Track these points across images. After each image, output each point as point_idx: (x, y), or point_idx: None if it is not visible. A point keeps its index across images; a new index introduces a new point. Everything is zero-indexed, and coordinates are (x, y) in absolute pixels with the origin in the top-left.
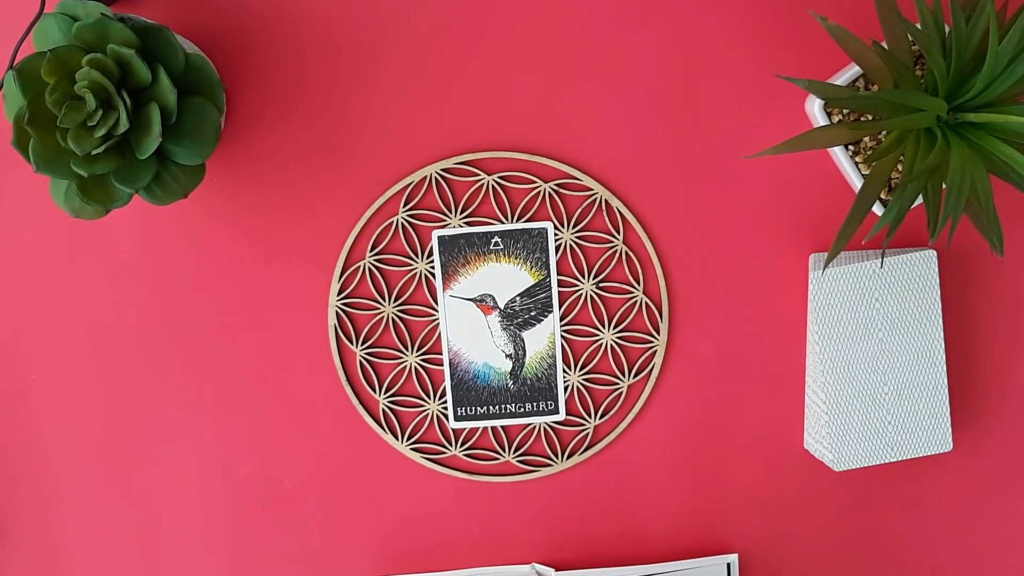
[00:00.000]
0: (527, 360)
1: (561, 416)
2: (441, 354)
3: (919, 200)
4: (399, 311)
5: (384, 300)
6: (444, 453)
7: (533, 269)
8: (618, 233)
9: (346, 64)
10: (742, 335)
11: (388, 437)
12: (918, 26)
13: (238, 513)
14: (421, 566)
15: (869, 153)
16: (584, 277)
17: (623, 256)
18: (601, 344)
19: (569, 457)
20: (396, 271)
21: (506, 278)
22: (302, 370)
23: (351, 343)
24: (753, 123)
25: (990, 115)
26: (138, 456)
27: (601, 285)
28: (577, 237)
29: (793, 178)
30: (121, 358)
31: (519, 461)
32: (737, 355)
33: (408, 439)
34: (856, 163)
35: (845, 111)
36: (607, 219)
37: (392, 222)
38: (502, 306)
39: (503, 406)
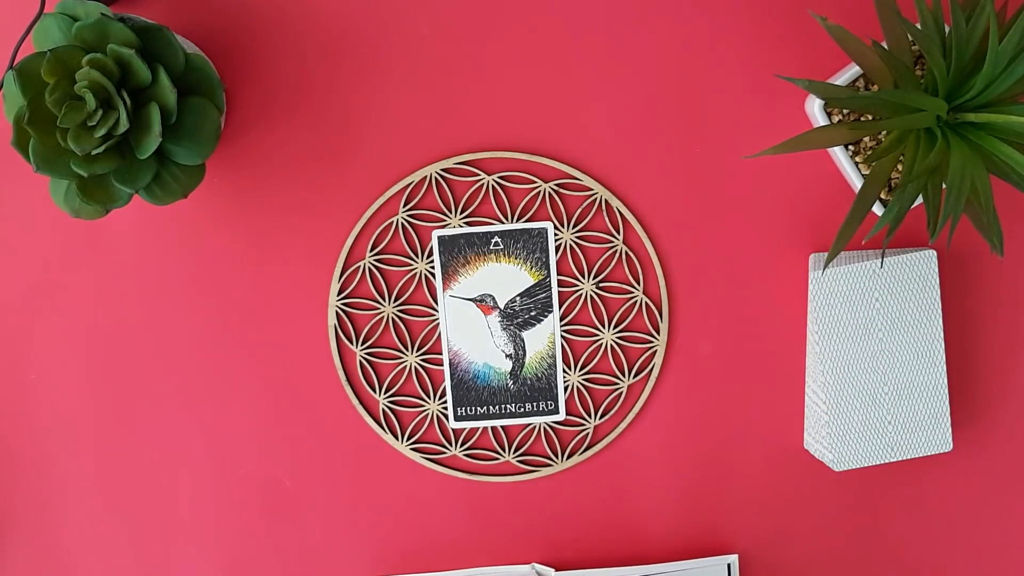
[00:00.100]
0: (527, 360)
1: (561, 416)
2: (441, 354)
3: (919, 200)
4: (399, 311)
5: (384, 300)
6: (444, 453)
7: (533, 269)
8: (618, 233)
9: (346, 64)
10: (742, 335)
11: (388, 437)
12: (918, 26)
13: (238, 513)
14: (421, 566)
15: (869, 153)
16: (584, 277)
17: (623, 256)
18: (601, 344)
19: (569, 457)
20: (396, 271)
21: (506, 278)
22: (302, 370)
23: (351, 343)
24: (753, 123)
25: (990, 115)
26: (138, 456)
27: (601, 285)
28: (577, 237)
29: (793, 178)
30: (121, 358)
31: (519, 461)
32: (737, 355)
33: (408, 439)
34: (856, 163)
35: (845, 111)
36: (607, 219)
37: (392, 222)
38: (502, 306)
39: (503, 406)
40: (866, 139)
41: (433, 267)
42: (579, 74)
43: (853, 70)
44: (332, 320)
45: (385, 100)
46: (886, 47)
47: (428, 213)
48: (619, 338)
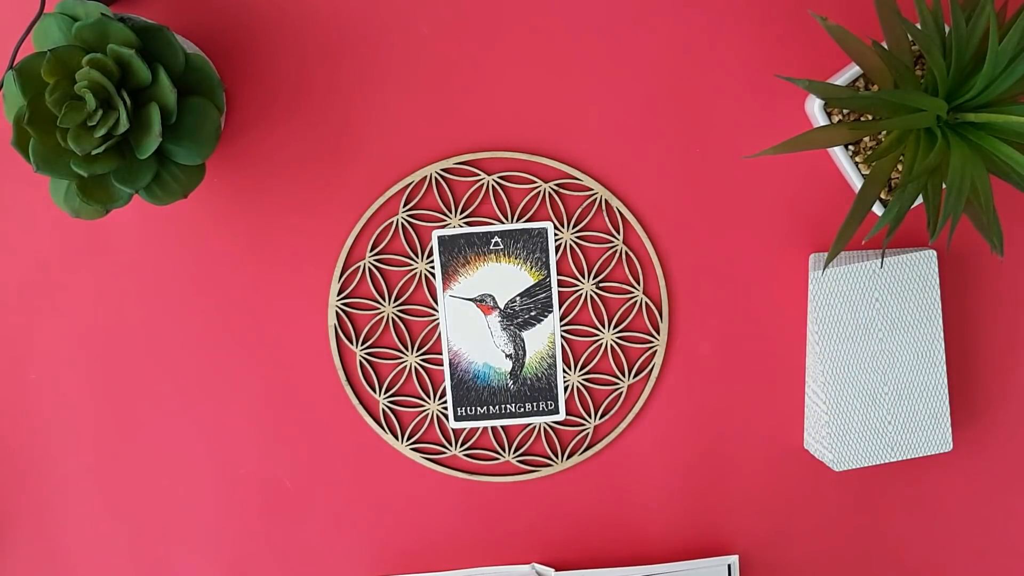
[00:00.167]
0: (527, 360)
1: (561, 416)
2: (441, 354)
3: (919, 200)
4: (399, 311)
5: (384, 300)
6: (444, 453)
7: (533, 269)
8: (618, 233)
9: (346, 64)
10: (742, 335)
11: (388, 437)
12: (918, 26)
13: (238, 513)
14: (421, 566)
15: (869, 153)
16: (584, 277)
17: (623, 256)
18: (601, 344)
19: (569, 457)
20: (396, 271)
21: (506, 278)
22: (302, 370)
23: (351, 343)
24: (753, 123)
25: (990, 115)
26: (138, 456)
27: (601, 285)
28: (577, 237)
29: (793, 178)
30: (121, 358)
31: (519, 461)
32: (737, 355)
33: (408, 439)
34: (856, 163)
35: (845, 111)
36: (607, 219)
37: (392, 222)
38: (502, 306)
39: (503, 406)
40: (866, 139)
41: (433, 267)
42: (579, 74)
43: (853, 70)
44: (332, 320)
45: (385, 100)
46: (886, 47)
47: (428, 213)
48: (619, 338)
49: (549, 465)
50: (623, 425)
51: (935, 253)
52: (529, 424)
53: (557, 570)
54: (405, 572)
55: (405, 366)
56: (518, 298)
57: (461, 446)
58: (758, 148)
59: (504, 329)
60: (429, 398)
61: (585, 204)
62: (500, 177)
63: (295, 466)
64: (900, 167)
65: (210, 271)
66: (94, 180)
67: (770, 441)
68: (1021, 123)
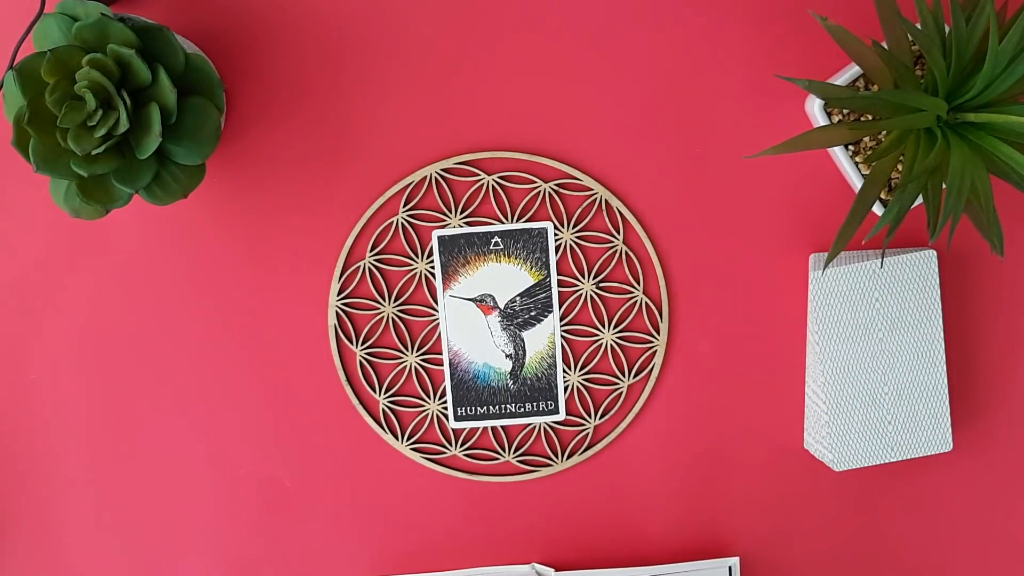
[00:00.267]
0: (527, 360)
1: (561, 416)
2: (441, 354)
3: (919, 200)
4: (399, 311)
5: (384, 300)
6: (444, 453)
7: (533, 269)
8: (618, 233)
9: (346, 64)
10: (742, 335)
11: (388, 437)
12: (918, 26)
13: (238, 513)
14: (421, 566)
15: (869, 153)
16: (584, 277)
17: (623, 256)
18: (601, 344)
19: (569, 457)
20: (396, 271)
21: (506, 278)
22: (302, 370)
23: (351, 343)
24: (753, 123)
25: (990, 115)
26: (138, 456)
27: (601, 285)
28: (577, 237)
29: (793, 178)
30: (121, 358)
31: (519, 461)
32: (737, 355)
33: (408, 439)
34: (856, 163)
35: (845, 111)
36: (607, 219)
37: (392, 222)
38: (502, 306)
39: (503, 406)
40: (866, 139)
41: (433, 267)
42: (579, 74)
43: (853, 70)
44: (332, 320)
45: (385, 100)
46: (886, 47)
47: (428, 213)
48: (619, 338)
49: (549, 465)
50: (623, 425)
51: (935, 253)
52: (529, 424)
53: (557, 570)
54: (405, 572)
55: (405, 366)
56: (518, 298)
57: (461, 446)
58: (758, 148)
59: (504, 329)
60: (429, 398)
61: (585, 204)
62: (500, 177)
63: (295, 466)
64: (900, 167)
65: (210, 271)
66: (94, 180)
67: (770, 441)
68: (1021, 123)
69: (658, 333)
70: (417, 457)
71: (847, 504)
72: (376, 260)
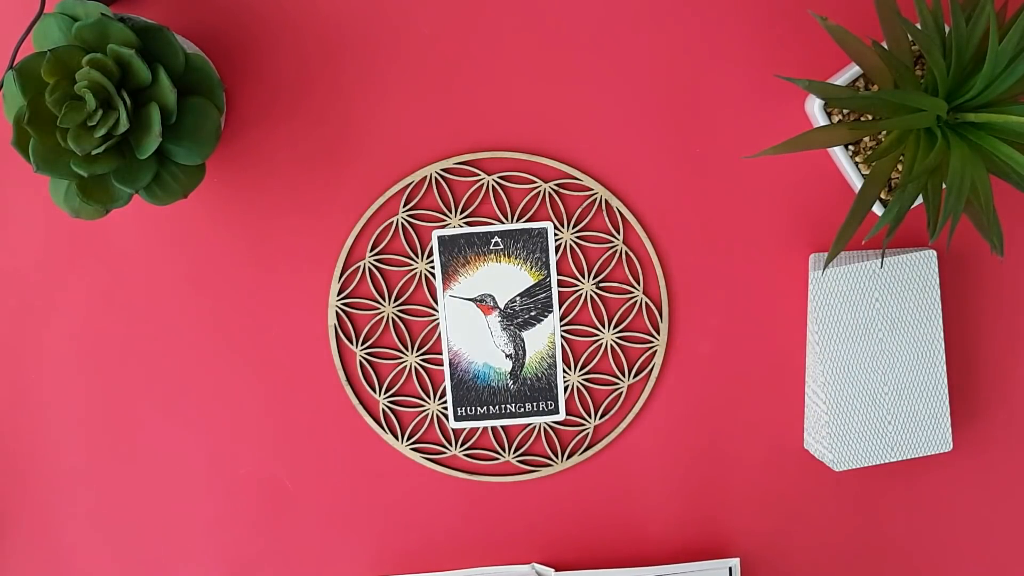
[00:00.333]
0: (527, 360)
1: (561, 416)
2: (441, 354)
3: (919, 200)
4: (399, 311)
5: (384, 300)
6: (444, 453)
7: (533, 269)
8: (618, 233)
9: (346, 64)
10: (742, 335)
11: (388, 437)
12: (918, 26)
13: (238, 513)
14: (421, 566)
15: (869, 153)
16: (584, 277)
17: (623, 256)
18: (601, 344)
19: (569, 457)
20: (396, 271)
21: (506, 278)
22: (302, 370)
23: (351, 343)
24: (753, 123)
25: (990, 115)
26: (138, 456)
27: (601, 285)
28: (577, 237)
29: (793, 178)
30: (121, 358)
31: (519, 461)
32: (737, 355)
33: (408, 439)
34: (856, 163)
35: (845, 111)
36: (607, 219)
37: (392, 222)
38: (502, 306)
39: (503, 406)
40: (866, 139)
41: (433, 267)
42: (579, 74)
43: (853, 70)
44: (332, 320)
45: (385, 100)
46: (886, 47)
47: (428, 213)
48: (619, 338)
49: (549, 465)
50: (623, 425)
51: (935, 253)
52: (529, 424)
53: (557, 570)
54: (405, 572)
55: (405, 366)
56: (518, 298)
57: (461, 446)
58: (758, 148)
59: (504, 329)
60: (429, 398)
61: (585, 204)
62: (500, 177)
63: (295, 466)
64: (900, 167)
65: (210, 271)
66: (94, 180)
67: (770, 441)
68: (1021, 123)
69: (658, 333)
70: (417, 457)
71: (847, 504)
72: (376, 260)
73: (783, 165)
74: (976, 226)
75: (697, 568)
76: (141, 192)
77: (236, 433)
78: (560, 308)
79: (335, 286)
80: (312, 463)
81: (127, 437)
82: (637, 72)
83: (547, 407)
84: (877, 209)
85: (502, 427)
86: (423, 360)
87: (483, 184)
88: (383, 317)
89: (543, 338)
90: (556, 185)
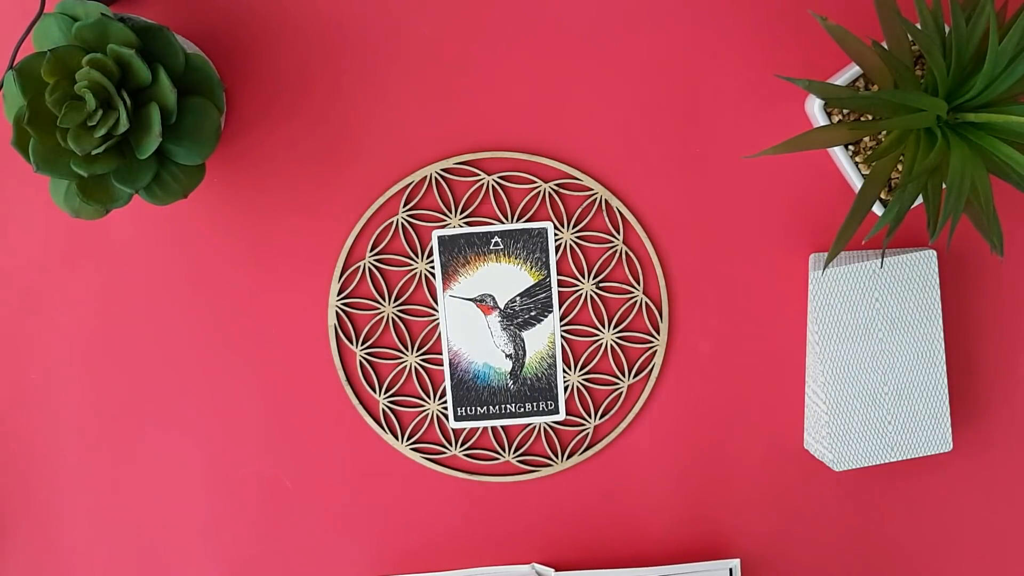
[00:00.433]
0: (527, 360)
1: (561, 416)
2: (441, 354)
3: (919, 200)
4: (399, 311)
5: (384, 300)
6: (444, 453)
7: (533, 269)
8: (618, 233)
9: (347, 64)
10: (742, 335)
11: (388, 437)
12: (918, 26)
13: (238, 513)
14: (421, 566)
15: (869, 153)
16: (584, 277)
17: (623, 256)
18: (601, 344)
19: (569, 457)
20: (396, 271)
21: (506, 278)
22: (302, 370)
23: (351, 343)
24: (753, 123)
25: (990, 115)
26: (138, 456)
27: (601, 285)
28: (577, 237)
29: (793, 178)
30: (121, 358)
31: (519, 461)
32: (737, 355)
33: (408, 439)
34: (856, 163)
35: (845, 111)
36: (607, 219)
37: (392, 222)
38: (502, 306)
39: (503, 406)
40: (866, 139)
41: (433, 267)
42: (579, 74)
43: (853, 70)
44: (332, 320)
45: (385, 100)
46: (886, 47)
47: (428, 213)
48: (619, 338)
49: (549, 465)
50: (623, 425)
51: (935, 253)
52: (529, 424)
53: (557, 570)
54: (405, 572)
55: (405, 366)
56: (518, 298)
57: (461, 446)
58: (758, 148)
59: (504, 329)
60: (429, 398)
61: (585, 204)
62: (500, 177)
63: (295, 466)
64: (900, 167)
65: (210, 271)
66: (94, 180)
67: (770, 441)
68: (1021, 123)
69: (658, 333)
70: (417, 457)
71: (847, 504)
72: (376, 260)
73: (783, 165)
74: (976, 226)
75: (697, 568)
76: (141, 192)
77: (236, 433)
78: (560, 308)
79: (335, 286)
80: (312, 463)
81: (127, 437)
82: (637, 72)
83: (547, 407)
84: (877, 209)
85: (502, 427)
86: (423, 360)
87: (483, 184)
88: (383, 317)
89: (543, 338)
90: (556, 185)
